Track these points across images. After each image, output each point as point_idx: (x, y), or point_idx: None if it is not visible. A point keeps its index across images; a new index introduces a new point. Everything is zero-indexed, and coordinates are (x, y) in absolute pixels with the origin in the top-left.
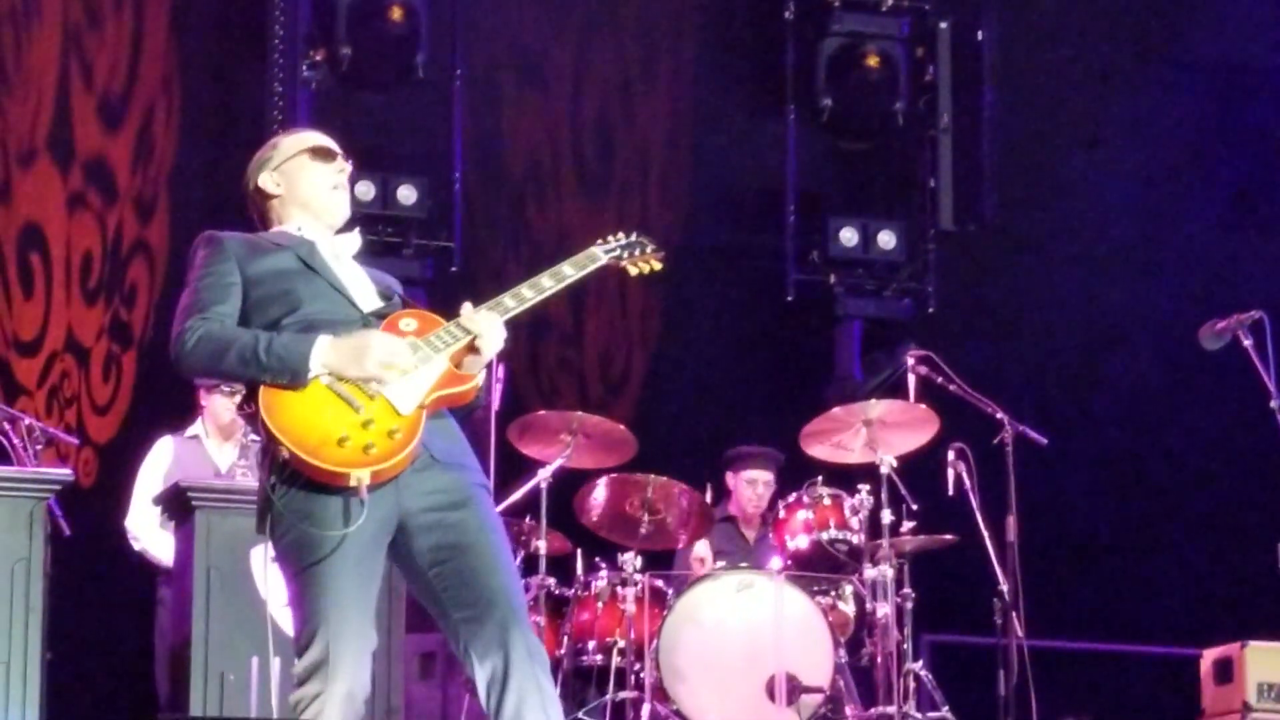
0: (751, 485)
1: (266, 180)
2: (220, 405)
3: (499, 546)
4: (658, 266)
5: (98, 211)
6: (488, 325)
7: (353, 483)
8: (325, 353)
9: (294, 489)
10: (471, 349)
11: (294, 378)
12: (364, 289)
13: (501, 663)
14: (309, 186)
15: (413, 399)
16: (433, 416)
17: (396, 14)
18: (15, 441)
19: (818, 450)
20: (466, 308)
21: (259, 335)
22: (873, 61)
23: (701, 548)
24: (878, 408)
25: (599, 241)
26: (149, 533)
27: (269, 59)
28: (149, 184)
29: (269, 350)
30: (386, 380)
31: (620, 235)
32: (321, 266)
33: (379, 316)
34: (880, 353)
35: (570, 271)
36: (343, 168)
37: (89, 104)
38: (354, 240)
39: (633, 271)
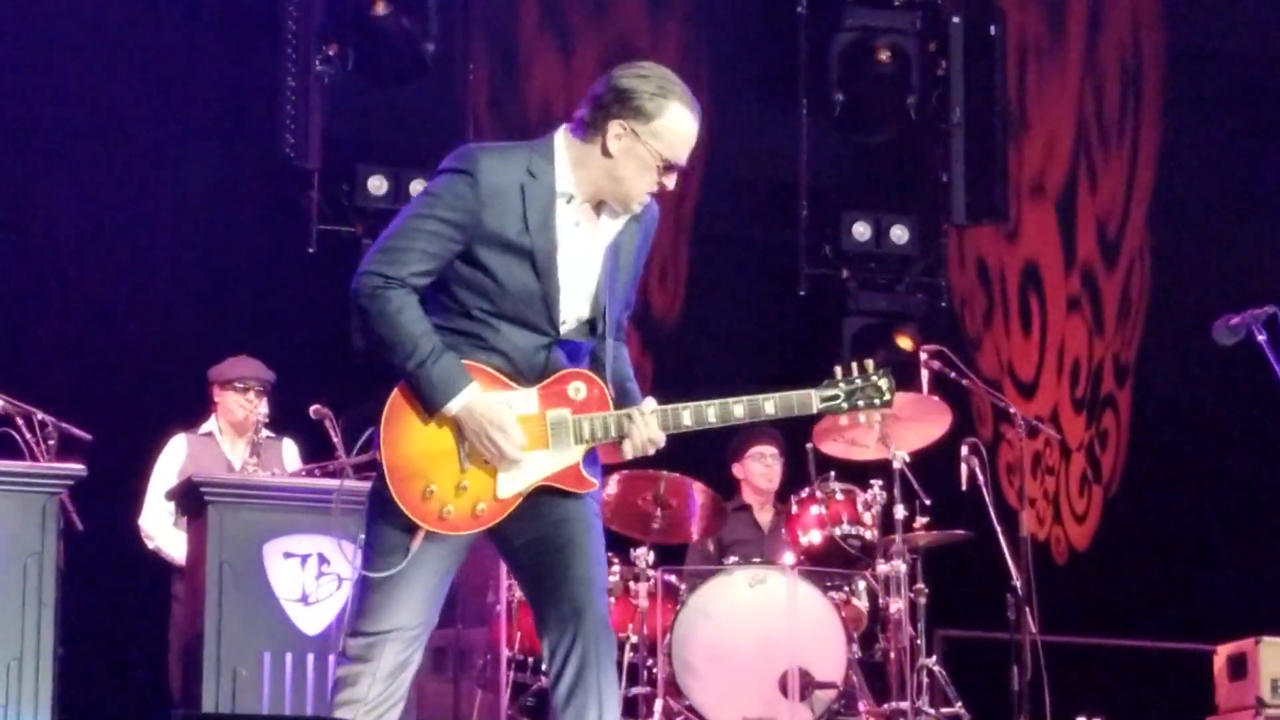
0: (760, 459)
1: (617, 132)
2: (234, 401)
3: (587, 525)
4: (877, 419)
5: None
6: (641, 439)
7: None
8: (464, 405)
9: (380, 504)
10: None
11: (429, 408)
12: (580, 297)
13: (566, 640)
14: (633, 178)
15: (517, 486)
16: None
17: (380, 8)
18: (28, 437)
19: (831, 447)
20: (648, 404)
21: (419, 346)
22: (887, 56)
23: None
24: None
25: (831, 377)
26: (163, 531)
27: (281, 53)
28: None
29: (420, 370)
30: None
31: (856, 373)
32: (547, 275)
33: (569, 346)
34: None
35: (770, 411)
36: (668, 184)
37: None
38: (619, 224)
39: (844, 422)
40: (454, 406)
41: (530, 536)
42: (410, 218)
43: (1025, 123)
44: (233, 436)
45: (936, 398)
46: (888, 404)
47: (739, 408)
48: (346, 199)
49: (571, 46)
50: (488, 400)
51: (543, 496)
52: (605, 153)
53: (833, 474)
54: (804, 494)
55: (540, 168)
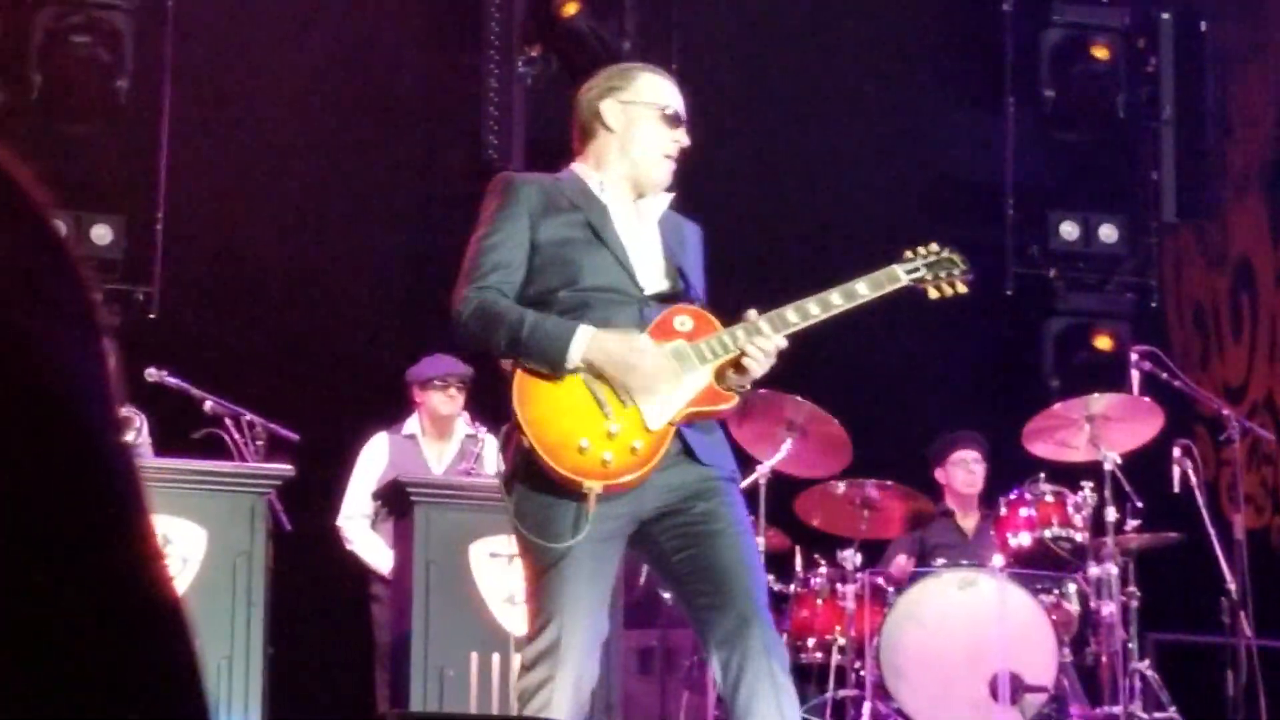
0: (963, 465)
1: (610, 109)
2: (437, 400)
3: (742, 538)
4: (963, 290)
5: None
6: (761, 345)
7: (585, 490)
8: (588, 347)
9: (529, 487)
10: (738, 362)
11: (552, 368)
12: (652, 263)
13: (738, 654)
14: (645, 144)
15: (665, 414)
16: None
17: (569, 9)
18: (237, 437)
19: (1040, 448)
20: (750, 314)
21: (525, 317)
22: (1101, 53)
23: (902, 558)
24: (1100, 403)
25: (904, 255)
26: (358, 534)
27: (484, 55)
28: None
29: (531, 336)
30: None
31: (928, 250)
32: (611, 238)
33: (659, 299)
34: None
35: (865, 291)
36: (681, 139)
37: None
38: (662, 202)
39: (933, 295)
40: (575, 350)
41: (684, 550)
42: (474, 243)
43: (1227, 120)
44: (435, 438)
45: (1147, 398)
46: (969, 274)
47: (835, 295)
48: None
49: (774, 44)
50: (608, 332)
51: (689, 504)
52: (610, 131)
53: (1042, 476)
54: (1013, 496)
55: (565, 176)
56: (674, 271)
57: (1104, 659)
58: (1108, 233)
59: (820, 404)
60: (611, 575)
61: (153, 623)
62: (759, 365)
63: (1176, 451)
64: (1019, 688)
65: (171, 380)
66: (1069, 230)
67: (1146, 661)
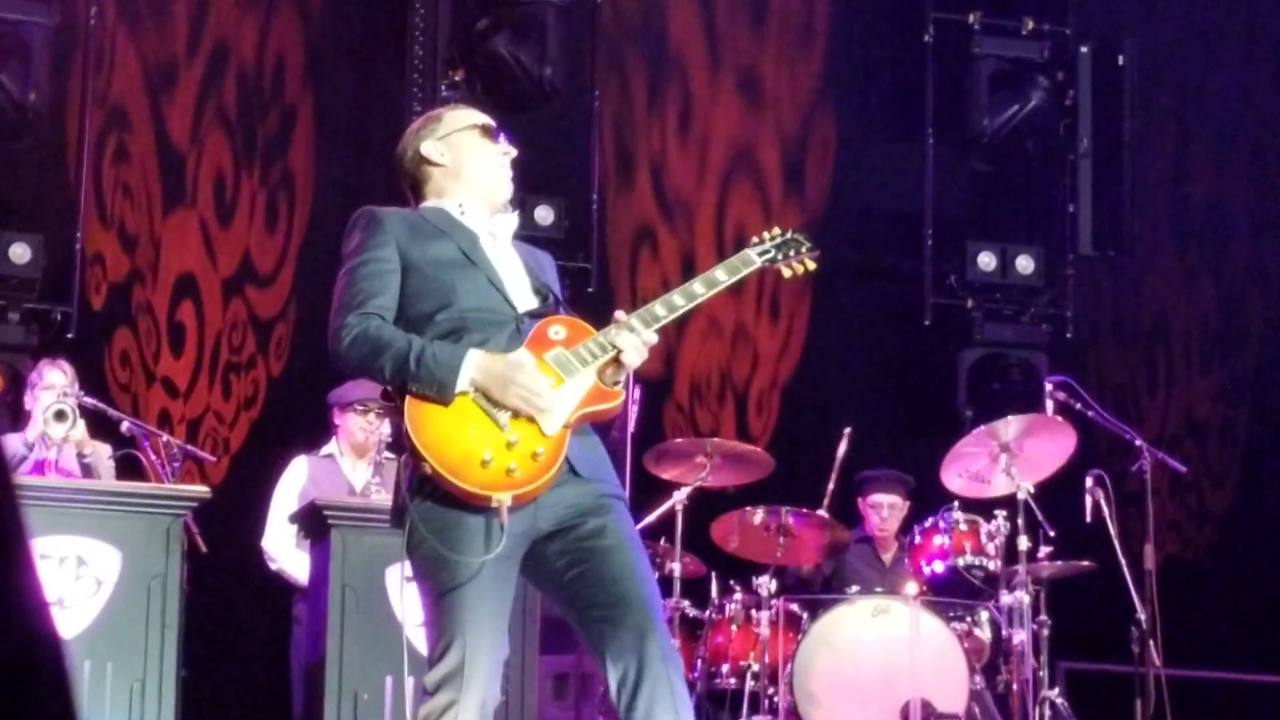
0: (876, 510)
1: (431, 148)
2: (355, 424)
3: (634, 552)
4: (812, 267)
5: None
6: (632, 340)
7: (494, 504)
8: (473, 370)
9: (433, 506)
10: (617, 360)
11: (441, 391)
12: (520, 283)
13: (635, 664)
14: (476, 162)
15: (558, 418)
16: (575, 429)
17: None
18: (153, 458)
19: (956, 483)
20: (619, 315)
21: (412, 344)
22: (1038, 90)
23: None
24: (1013, 426)
25: (753, 241)
26: (286, 553)
27: (407, 78)
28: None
29: (419, 362)
30: (526, 411)
31: (774, 233)
32: (481, 260)
33: (533, 316)
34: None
35: (723, 276)
36: (507, 149)
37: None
38: (511, 221)
39: (786, 274)
40: (465, 375)
41: (576, 565)
42: (345, 274)
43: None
44: (353, 458)
45: (1059, 418)
46: (815, 251)
47: (697, 284)
48: None
49: (694, 71)
50: (493, 355)
51: (580, 521)
52: (443, 165)
53: (956, 504)
54: (927, 524)
55: (422, 208)
56: (541, 289)
57: (1015, 687)
58: (1024, 264)
59: (743, 425)
60: (511, 594)
61: (28, 656)
62: (635, 359)
63: (1089, 481)
64: (930, 715)
65: (88, 400)
66: (986, 261)
67: (1057, 690)
